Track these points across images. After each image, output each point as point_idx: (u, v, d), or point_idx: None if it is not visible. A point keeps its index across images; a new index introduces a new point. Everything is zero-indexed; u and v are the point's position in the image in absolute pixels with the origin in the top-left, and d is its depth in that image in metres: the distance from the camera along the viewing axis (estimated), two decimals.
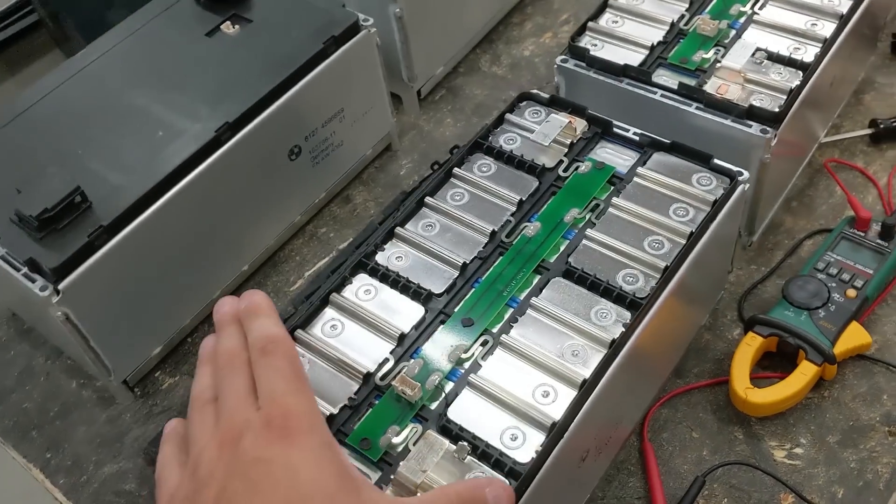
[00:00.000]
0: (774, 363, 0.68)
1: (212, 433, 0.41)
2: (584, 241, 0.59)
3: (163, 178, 0.66)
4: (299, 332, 0.56)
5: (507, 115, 0.67)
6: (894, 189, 0.79)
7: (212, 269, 0.75)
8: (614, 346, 0.53)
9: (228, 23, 0.78)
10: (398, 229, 0.61)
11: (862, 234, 0.72)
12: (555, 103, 0.67)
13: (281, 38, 0.76)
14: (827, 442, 0.64)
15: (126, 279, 0.66)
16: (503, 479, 0.48)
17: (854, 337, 0.66)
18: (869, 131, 0.82)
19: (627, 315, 0.55)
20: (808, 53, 0.69)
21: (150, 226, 0.65)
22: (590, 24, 0.74)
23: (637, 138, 0.64)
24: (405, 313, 0.57)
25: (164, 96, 0.72)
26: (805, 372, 0.65)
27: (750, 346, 0.66)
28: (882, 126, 0.81)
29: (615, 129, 0.65)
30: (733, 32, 0.72)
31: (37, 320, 0.75)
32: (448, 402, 0.52)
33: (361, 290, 0.59)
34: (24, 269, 0.62)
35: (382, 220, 0.68)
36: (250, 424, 0.40)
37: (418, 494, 0.47)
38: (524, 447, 0.49)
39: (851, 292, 0.68)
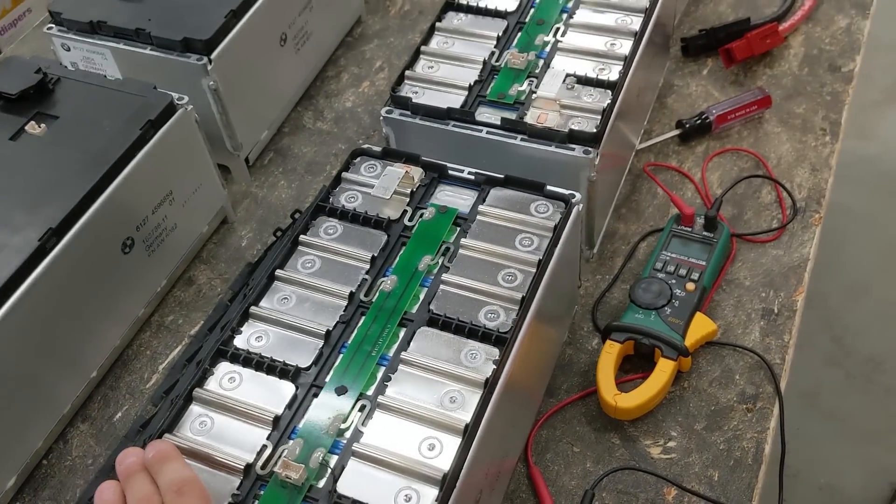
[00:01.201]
0: (634, 365, 0.72)
1: None
2: (442, 286, 0.60)
3: None
4: (167, 436, 0.53)
5: (344, 174, 0.67)
6: (709, 182, 0.85)
7: (56, 383, 0.70)
8: (489, 385, 0.54)
9: (33, 123, 0.74)
10: (253, 309, 0.60)
11: (689, 229, 0.77)
12: (388, 155, 0.68)
13: (94, 131, 0.72)
14: (695, 430, 0.68)
15: None
16: None
17: (701, 327, 0.71)
18: (677, 132, 0.88)
19: (496, 351, 0.56)
20: (612, 72, 0.74)
21: None
22: (407, 72, 0.76)
23: (473, 177, 0.66)
24: (275, 394, 0.55)
25: None
26: (664, 369, 0.68)
27: (610, 354, 0.70)
28: (687, 125, 0.88)
29: (451, 172, 0.66)
30: (542, 62, 0.76)
31: None
32: (336, 477, 0.51)
33: (225, 378, 0.57)
34: None
35: (232, 297, 0.66)
36: None
37: None
38: None
39: (690, 286, 0.73)
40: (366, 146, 0.69)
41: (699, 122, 0.88)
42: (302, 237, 0.64)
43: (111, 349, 0.75)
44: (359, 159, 0.69)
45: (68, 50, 0.86)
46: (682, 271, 0.74)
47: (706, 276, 0.73)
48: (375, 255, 0.62)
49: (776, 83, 0.93)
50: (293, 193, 0.90)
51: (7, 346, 0.63)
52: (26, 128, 0.73)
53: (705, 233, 0.76)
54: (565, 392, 0.71)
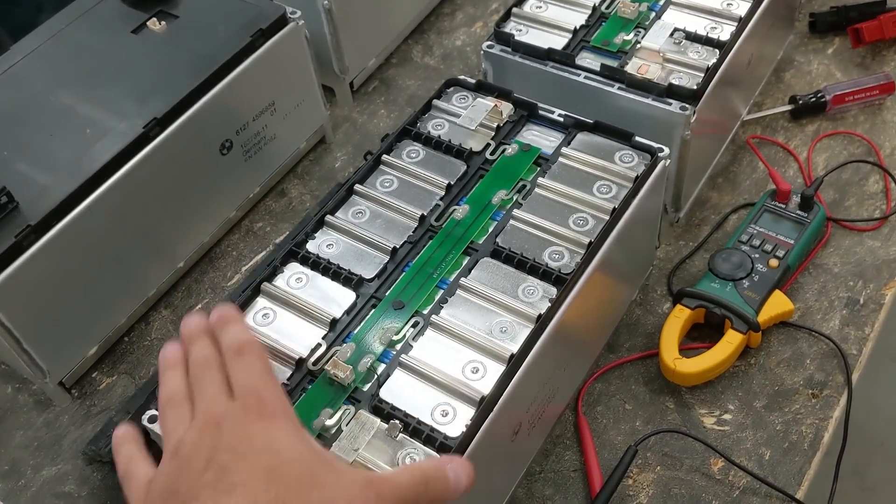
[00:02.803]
0: (703, 334, 0.70)
1: (189, 422, 0.43)
2: (512, 222, 0.60)
3: (90, 176, 0.65)
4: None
5: (435, 102, 0.68)
6: (814, 163, 0.81)
7: (145, 268, 0.75)
8: (541, 321, 0.54)
9: (154, 19, 0.77)
10: (328, 217, 0.62)
11: (783, 205, 0.74)
12: (481, 88, 0.68)
13: (208, 34, 0.75)
14: (754, 407, 0.66)
15: (57, 279, 0.66)
16: (436, 456, 0.49)
17: (777, 305, 0.68)
18: (789, 107, 0.85)
19: (553, 291, 0.56)
20: (724, 32, 0.72)
21: (79, 225, 0.65)
22: (514, 10, 0.76)
23: (562, 119, 0.65)
24: (337, 299, 0.57)
25: (91, 94, 0.72)
26: (731, 340, 0.67)
27: (678, 318, 0.68)
28: (801, 102, 0.84)
29: (540, 112, 0.66)
30: (653, 14, 0.74)
31: None
32: (380, 383, 0.53)
33: (293, 278, 0.59)
34: None
35: (318, 213, 0.68)
36: (229, 412, 0.42)
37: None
38: (454, 422, 0.50)
39: (774, 262, 0.70)
40: (461, 77, 0.69)
41: (814, 99, 0.84)
42: (385, 157, 0.65)
43: (199, 244, 0.79)
44: (452, 89, 0.69)
45: None
46: (768, 247, 0.71)
47: (792, 255, 0.71)
48: (452, 183, 0.62)
49: None
50: (392, 123, 0.91)
51: (104, 222, 0.67)
52: (148, 23, 0.77)
53: (799, 212, 0.74)
54: (627, 350, 0.71)
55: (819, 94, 0.84)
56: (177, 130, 0.70)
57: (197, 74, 0.72)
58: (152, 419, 0.53)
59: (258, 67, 0.75)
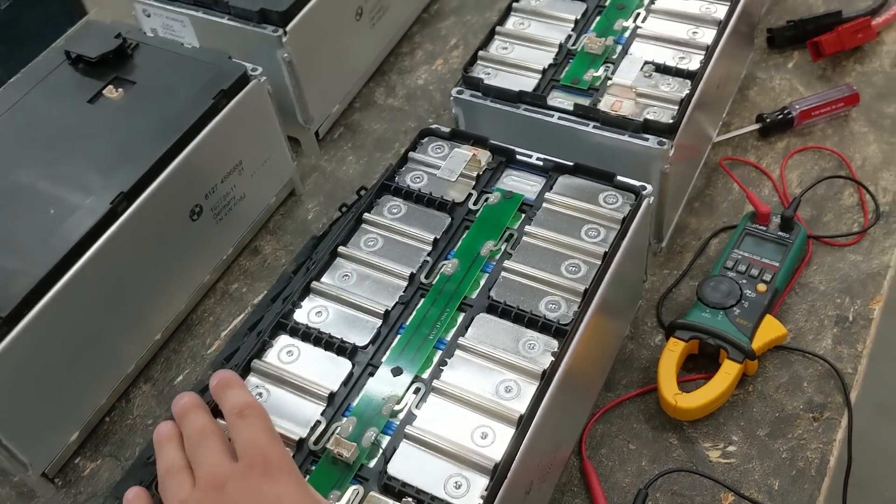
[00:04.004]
0: (698, 364, 0.70)
1: (192, 488, 0.44)
2: (503, 273, 0.59)
3: (59, 259, 0.63)
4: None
5: (411, 154, 0.67)
6: (787, 180, 0.82)
7: (122, 344, 0.72)
8: (546, 377, 0.53)
9: (111, 87, 0.75)
10: (314, 284, 0.60)
11: (764, 228, 0.74)
12: (456, 136, 0.67)
13: (168, 98, 0.73)
14: (757, 436, 0.66)
15: (32, 368, 0.63)
16: None
17: (770, 330, 0.68)
18: (757, 126, 0.85)
19: (555, 343, 0.55)
20: (693, 62, 0.72)
21: (52, 310, 0.62)
22: (480, 52, 0.75)
23: (541, 163, 0.65)
24: (332, 371, 0.55)
25: (52, 171, 0.69)
26: (729, 371, 0.66)
27: (673, 352, 0.68)
28: (769, 120, 0.85)
29: (518, 157, 0.65)
30: (620, 48, 0.74)
31: None
32: (387, 459, 0.51)
33: (283, 352, 0.57)
34: None
35: (296, 269, 0.67)
36: (233, 472, 0.43)
37: None
38: (469, 494, 0.49)
39: (762, 287, 0.70)
40: (434, 126, 0.68)
41: (781, 116, 0.84)
42: (366, 215, 0.63)
43: (176, 313, 0.77)
44: (426, 139, 0.68)
45: (149, 16, 0.87)
46: (754, 271, 0.71)
47: (779, 279, 0.71)
48: (438, 237, 0.61)
49: (866, 81, 0.89)
50: (361, 169, 0.90)
51: (77, 304, 0.64)
52: (104, 91, 0.75)
53: (780, 233, 0.74)
54: (624, 387, 0.70)
55: (786, 111, 0.84)
56: (145, 202, 0.68)
57: (161, 142, 0.70)
58: None
59: (223, 128, 0.74)
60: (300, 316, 0.59)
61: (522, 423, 0.51)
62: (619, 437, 0.67)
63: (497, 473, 0.49)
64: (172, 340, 0.77)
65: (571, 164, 0.64)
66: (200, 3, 0.83)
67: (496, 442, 0.51)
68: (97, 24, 0.81)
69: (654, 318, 0.74)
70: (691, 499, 0.63)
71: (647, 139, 0.66)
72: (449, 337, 0.56)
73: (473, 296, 0.58)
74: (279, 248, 0.84)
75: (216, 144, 0.73)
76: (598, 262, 0.58)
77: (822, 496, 0.63)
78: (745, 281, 0.71)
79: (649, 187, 0.62)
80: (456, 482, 0.49)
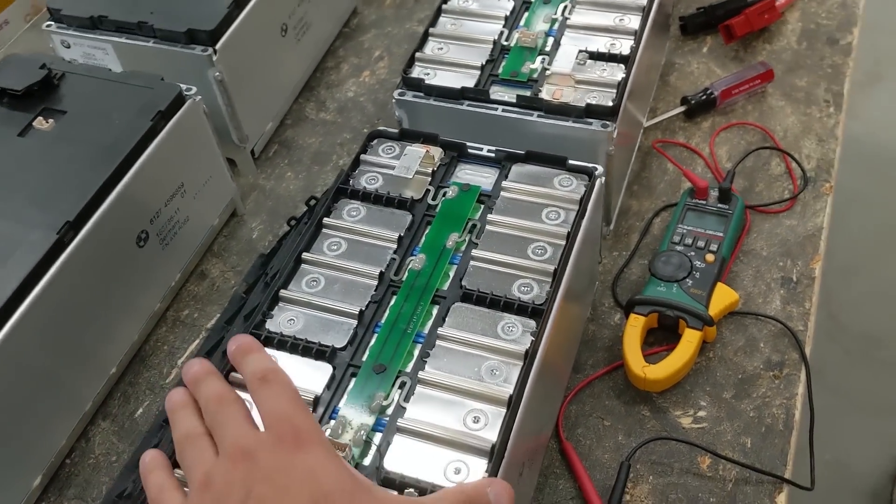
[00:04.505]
0: (658, 338, 0.72)
1: (216, 458, 0.41)
2: (472, 263, 0.59)
3: (9, 296, 0.60)
4: None
5: (363, 156, 0.67)
6: (717, 156, 0.85)
7: (77, 382, 0.69)
8: (529, 356, 0.53)
9: (41, 118, 0.72)
10: (282, 292, 0.59)
11: (704, 202, 0.77)
12: (406, 136, 0.68)
13: (103, 124, 0.71)
14: (724, 399, 0.68)
15: None
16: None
17: (723, 297, 0.71)
18: (682, 108, 0.88)
19: (532, 323, 0.56)
20: (623, 47, 0.74)
21: (2, 351, 0.59)
22: (417, 54, 0.76)
23: (493, 155, 0.66)
24: (313, 375, 0.55)
25: None
26: (690, 339, 0.68)
27: (635, 328, 0.70)
28: (693, 101, 0.88)
29: (470, 150, 0.66)
30: (552, 39, 0.76)
31: None
32: (382, 454, 0.51)
33: None
34: None
35: (247, 289, 0.66)
36: (261, 442, 0.41)
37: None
38: (470, 477, 0.49)
39: (710, 257, 0.73)
40: (382, 128, 0.69)
41: (704, 97, 0.88)
42: (326, 220, 0.63)
43: (129, 345, 0.74)
44: (376, 141, 0.68)
45: (68, 47, 0.84)
46: (700, 243, 0.74)
47: (724, 247, 0.74)
48: (402, 234, 0.61)
49: (776, 58, 0.94)
50: (301, 184, 0.89)
51: (28, 342, 0.62)
52: (34, 123, 0.72)
53: (720, 205, 0.77)
54: (591, 367, 0.71)
55: (708, 92, 0.88)
56: (92, 230, 0.66)
57: (102, 168, 0.68)
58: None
59: (163, 150, 0.72)
60: (272, 326, 0.58)
61: (513, 403, 0.51)
62: (593, 416, 0.68)
63: (495, 453, 0.49)
64: (128, 373, 0.75)
65: (523, 152, 0.65)
66: (123, 29, 0.82)
67: (489, 424, 0.51)
68: (18, 57, 0.78)
69: (611, 298, 0.76)
70: (671, 465, 0.65)
71: (590, 123, 0.68)
72: (427, 330, 0.56)
73: (445, 287, 0.59)
74: (226, 269, 0.83)
75: (158, 167, 0.72)
76: (563, 243, 0.60)
77: (792, 449, 0.66)
78: (693, 253, 0.73)
79: (600, 168, 0.64)
80: (455, 468, 0.50)
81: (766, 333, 0.72)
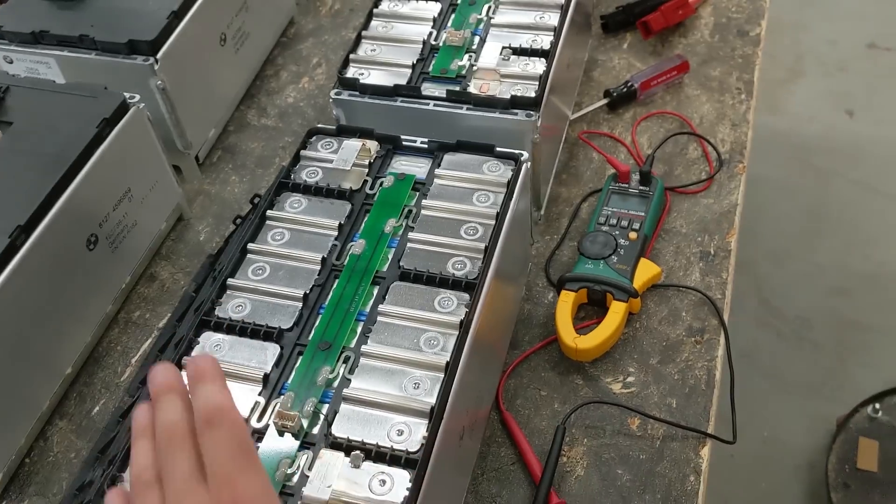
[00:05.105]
0: (588, 312, 0.77)
1: None
2: (409, 245, 0.64)
3: None
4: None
5: (302, 152, 0.71)
6: (639, 144, 0.91)
7: (32, 383, 0.72)
8: (464, 326, 0.58)
9: None
10: (230, 281, 0.62)
11: (626, 185, 0.82)
12: (343, 132, 0.71)
13: (50, 133, 0.74)
14: (650, 365, 0.73)
15: None
16: (403, 472, 0.51)
17: (646, 270, 0.76)
18: (605, 101, 0.94)
19: (466, 297, 0.60)
20: (544, 42, 0.79)
21: None
22: (351, 55, 0.80)
23: (426, 146, 0.70)
24: (262, 355, 0.58)
25: None
26: (617, 310, 0.73)
27: (566, 303, 0.74)
28: (615, 94, 0.94)
29: (405, 143, 0.70)
30: (478, 38, 0.81)
31: None
32: (329, 422, 0.54)
33: (210, 346, 0.59)
34: None
35: (196, 288, 0.69)
36: None
37: None
38: (412, 437, 0.53)
39: (633, 234, 0.78)
40: (321, 125, 0.72)
41: (625, 90, 0.94)
42: (269, 212, 0.67)
43: (82, 346, 0.77)
44: (315, 138, 0.72)
45: (11, 62, 0.87)
46: (624, 223, 0.79)
47: (646, 225, 0.79)
48: (342, 222, 0.65)
49: (692, 51, 1.00)
50: (245, 187, 0.92)
51: None
52: None
53: (641, 187, 0.82)
54: (528, 343, 0.76)
55: (628, 84, 0.94)
56: (43, 233, 0.68)
57: (50, 174, 0.70)
58: None
59: (109, 156, 0.75)
60: (221, 312, 0.61)
61: (449, 369, 0.55)
62: (530, 388, 0.73)
63: (434, 414, 0.53)
64: (83, 374, 0.77)
65: (454, 142, 0.70)
66: (65, 43, 0.84)
67: (429, 389, 0.55)
68: None
69: (545, 278, 0.80)
70: (603, 428, 0.70)
71: (516, 114, 0.73)
72: (368, 308, 0.60)
73: (385, 269, 0.62)
74: (176, 271, 0.85)
75: (104, 172, 0.75)
76: (493, 223, 0.64)
77: (714, 406, 0.71)
78: (617, 232, 0.78)
79: (526, 154, 0.68)
80: (398, 430, 0.53)
81: (687, 303, 0.77)
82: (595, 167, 0.90)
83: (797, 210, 1.83)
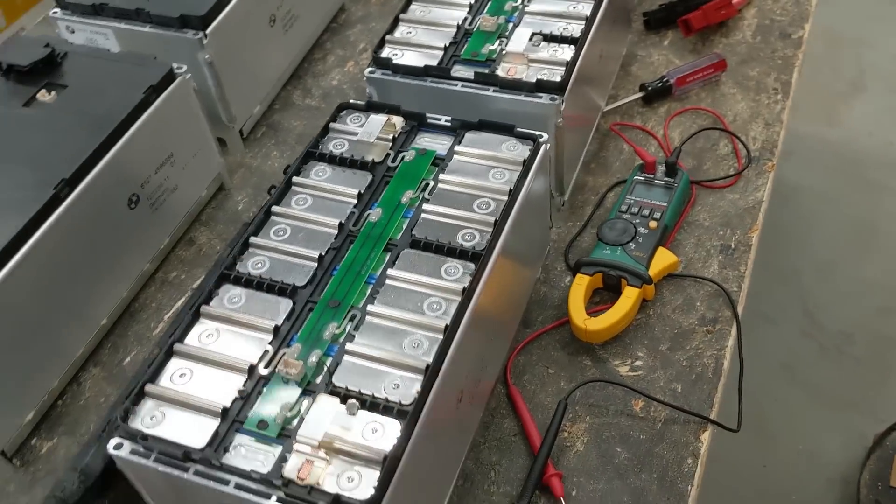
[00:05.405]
0: (603, 298, 0.78)
1: None
2: (423, 216, 0.66)
3: (5, 245, 0.67)
4: (178, 346, 0.59)
5: (332, 124, 0.74)
6: (670, 138, 0.92)
7: (70, 330, 0.76)
8: (466, 293, 0.60)
9: (44, 91, 0.80)
10: (252, 239, 0.66)
11: (652, 175, 0.83)
12: (371, 108, 0.74)
13: (100, 97, 0.79)
14: (660, 350, 0.74)
15: None
16: (395, 422, 0.53)
17: (663, 259, 0.77)
18: (640, 94, 0.95)
19: (472, 266, 0.62)
20: (575, 30, 0.81)
21: (3, 287, 0.66)
22: (387, 37, 0.83)
23: (449, 124, 0.72)
24: (275, 309, 0.61)
25: None
26: (629, 295, 0.75)
27: (580, 286, 0.76)
28: (650, 88, 0.95)
29: (429, 120, 0.73)
30: (511, 24, 0.83)
31: None
32: (331, 373, 0.57)
33: (228, 298, 0.63)
34: None
35: (230, 253, 0.72)
36: None
37: (322, 454, 0.52)
38: (406, 392, 0.55)
39: (653, 224, 0.79)
40: (351, 101, 0.75)
41: (661, 84, 0.95)
42: (295, 178, 0.70)
43: (118, 300, 0.81)
44: (345, 112, 0.75)
45: (73, 32, 0.92)
46: (646, 212, 0.80)
47: (667, 215, 0.80)
48: (362, 191, 0.68)
49: (732, 50, 1.00)
50: (285, 162, 0.96)
51: (22, 289, 0.68)
52: (37, 96, 0.80)
53: (666, 178, 0.83)
54: (540, 323, 0.77)
55: (664, 79, 0.95)
56: (86, 189, 0.73)
57: (97, 134, 0.75)
58: (118, 446, 0.55)
59: (153, 122, 0.79)
60: (242, 268, 0.64)
61: (448, 332, 0.58)
62: (538, 365, 0.74)
63: (429, 372, 0.55)
64: (118, 326, 0.82)
65: (476, 121, 0.72)
66: (122, 15, 0.89)
67: (427, 349, 0.57)
68: (25, 37, 0.86)
69: (563, 262, 0.82)
70: (606, 408, 0.71)
71: (540, 97, 0.75)
72: (378, 273, 0.63)
73: (398, 237, 0.65)
74: (213, 237, 0.89)
75: (148, 136, 0.79)
76: (505, 198, 0.66)
77: (719, 393, 0.71)
78: (638, 220, 0.80)
79: (545, 135, 0.70)
80: (395, 383, 0.56)
81: (702, 294, 0.78)
82: (624, 158, 0.91)
83: (847, 224, 1.79)
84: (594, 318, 0.73)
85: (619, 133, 0.92)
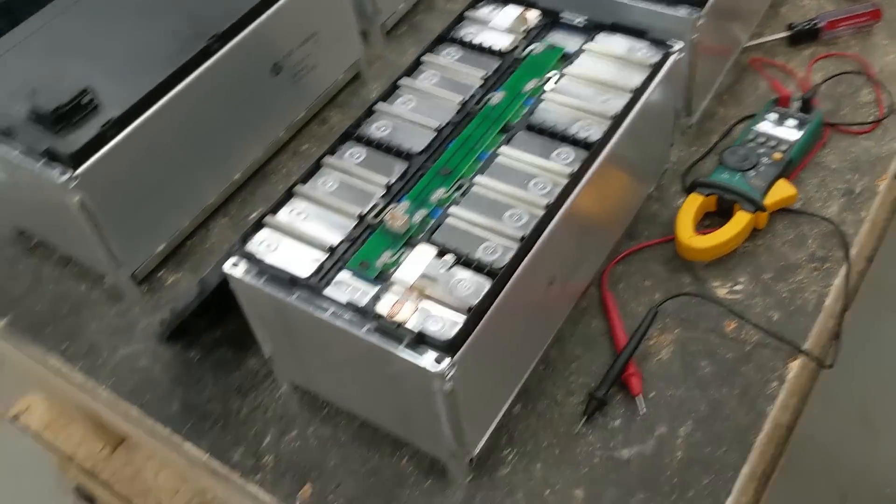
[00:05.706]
0: (715, 223, 0.77)
1: None
2: (543, 104, 0.68)
3: (161, 81, 0.73)
4: (299, 188, 0.64)
5: (467, 13, 0.76)
6: (812, 80, 0.89)
7: (205, 176, 0.82)
8: (573, 177, 0.61)
9: None
10: (380, 104, 0.69)
11: (785, 109, 0.82)
12: (509, 0, 0.76)
13: None
14: (762, 279, 0.73)
15: (133, 172, 0.73)
16: (485, 280, 0.56)
17: (782, 190, 0.76)
18: (787, 33, 0.92)
19: (584, 153, 0.63)
20: None
21: (153, 123, 0.73)
22: None
23: (582, 25, 0.73)
24: (390, 169, 0.65)
25: (148, 24, 0.80)
26: (740, 220, 0.74)
27: (692, 205, 0.76)
28: (797, 28, 0.92)
29: (563, 20, 0.74)
30: None
31: (48, 221, 0.81)
32: (432, 231, 0.60)
33: (350, 155, 0.67)
34: (43, 160, 0.69)
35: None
36: None
37: (414, 297, 0.55)
38: (501, 257, 0.58)
39: (778, 155, 0.78)
40: None
41: (808, 26, 0.92)
42: (424, 58, 0.73)
43: (252, 160, 0.87)
44: (482, 2, 0.77)
45: None
46: (772, 143, 0.79)
47: (794, 150, 0.78)
48: (489, 75, 0.70)
49: (890, 2, 0.95)
50: None
51: (173, 124, 0.75)
52: None
53: (800, 114, 0.81)
54: (646, 238, 0.78)
55: (814, 21, 0.92)
56: (235, 47, 0.78)
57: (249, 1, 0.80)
58: (234, 264, 0.60)
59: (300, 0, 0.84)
60: (366, 130, 0.68)
61: (549, 209, 0.59)
62: (636, 276, 0.75)
63: (524, 243, 0.58)
64: (249, 184, 0.88)
65: (609, 23, 0.72)
66: None
67: (526, 222, 0.60)
68: None
69: (680, 184, 0.81)
70: (696, 324, 0.71)
71: (678, 9, 0.74)
72: (491, 151, 0.65)
73: (515, 122, 0.67)
74: (345, 119, 0.94)
75: (295, 11, 0.83)
76: (629, 95, 0.67)
77: (816, 329, 0.70)
78: (763, 150, 0.78)
79: (679, 43, 0.70)
80: (491, 249, 0.58)
81: (816, 232, 0.76)
82: (759, 94, 0.89)
83: None
84: (700, 236, 0.73)
85: (757, 68, 0.90)
